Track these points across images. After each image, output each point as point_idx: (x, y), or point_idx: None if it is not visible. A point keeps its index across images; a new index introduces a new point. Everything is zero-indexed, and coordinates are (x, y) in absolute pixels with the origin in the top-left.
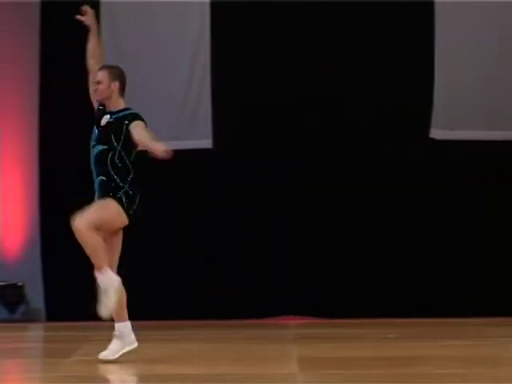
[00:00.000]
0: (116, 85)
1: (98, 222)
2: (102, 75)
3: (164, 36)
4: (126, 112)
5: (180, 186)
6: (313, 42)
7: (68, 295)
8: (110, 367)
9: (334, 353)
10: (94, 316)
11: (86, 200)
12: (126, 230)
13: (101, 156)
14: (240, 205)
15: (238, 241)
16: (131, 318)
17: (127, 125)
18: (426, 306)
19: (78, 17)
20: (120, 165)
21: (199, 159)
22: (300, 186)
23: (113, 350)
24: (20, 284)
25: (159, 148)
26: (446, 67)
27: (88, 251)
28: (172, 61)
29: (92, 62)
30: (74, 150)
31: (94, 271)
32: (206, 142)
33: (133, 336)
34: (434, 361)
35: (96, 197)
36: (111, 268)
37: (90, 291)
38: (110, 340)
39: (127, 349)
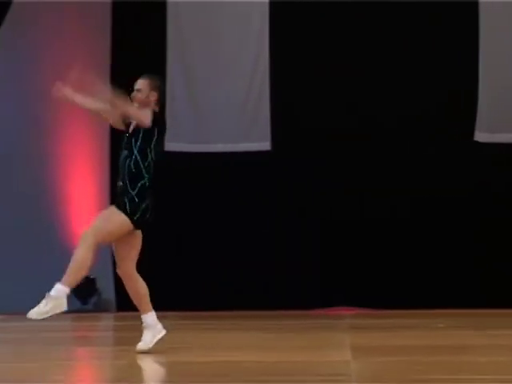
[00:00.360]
0: (154, 95)
1: (103, 235)
2: (143, 83)
3: (226, 40)
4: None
5: (239, 186)
6: (365, 44)
7: None
8: (175, 353)
9: (386, 341)
10: (160, 305)
11: (154, 193)
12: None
13: (123, 162)
14: (298, 203)
15: (295, 235)
16: (194, 309)
17: (143, 128)
18: (475, 297)
19: (56, 95)
20: (134, 170)
21: (258, 160)
22: (353, 186)
23: (146, 340)
24: (92, 277)
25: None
26: (490, 68)
27: (73, 264)
28: (234, 64)
29: (103, 106)
30: None
31: (64, 282)
32: (265, 144)
33: (160, 325)
34: (482, 349)
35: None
36: (129, 264)
37: (157, 283)
38: (174, 328)
39: (158, 337)
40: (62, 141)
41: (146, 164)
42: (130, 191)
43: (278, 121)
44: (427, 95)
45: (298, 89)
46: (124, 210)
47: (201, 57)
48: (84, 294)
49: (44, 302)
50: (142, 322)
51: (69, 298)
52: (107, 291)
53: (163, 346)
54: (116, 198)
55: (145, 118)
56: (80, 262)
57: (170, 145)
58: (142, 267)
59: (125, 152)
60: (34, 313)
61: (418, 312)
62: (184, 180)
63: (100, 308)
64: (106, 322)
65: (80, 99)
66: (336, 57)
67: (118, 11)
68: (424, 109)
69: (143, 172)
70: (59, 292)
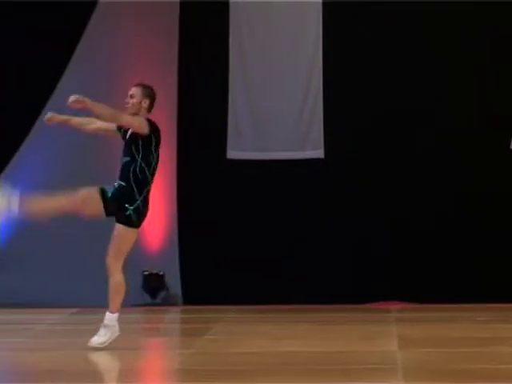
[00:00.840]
0: (146, 102)
1: (123, 255)
2: (136, 90)
3: (283, 51)
4: None
5: (295, 190)
6: (419, 49)
7: (201, 282)
8: (238, 343)
9: (430, 333)
10: (223, 300)
11: (216, 198)
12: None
13: (125, 167)
14: (348, 204)
15: (347, 235)
16: (257, 303)
17: (141, 136)
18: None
19: (47, 122)
20: (140, 176)
21: (312, 168)
22: (402, 190)
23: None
24: (161, 273)
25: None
26: None
27: (112, 291)
28: (290, 75)
29: (94, 126)
30: (209, 151)
31: (108, 309)
32: (319, 152)
33: (117, 326)
34: None
35: (110, 194)
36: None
37: (220, 279)
38: (236, 321)
39: (113, 337)
40: None
41: (152, 170)
42: (137, 197)
43: (330, 129)
44: (480, 103)
45: (348, 98)
46: (132, 225)
47: (259, 67)
48: (153, 290)
49: (102, 331)
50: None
51: (140, 293)
52: (174, 287)
53: (226, 337)
54: (116, 196)
55: (143, 126)
56: (117, 288)
57: (232, 153)
58: (209, 267)
59: (127, 158)
60: (95, 342)
61: (460, 306)
62: (243, 185)
63: (168, 302)
64: (173, 315)
65: (75, 122)
66: (389, 63)
67: (184, 11)
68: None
69: (149, 178)
70: (111, 320)
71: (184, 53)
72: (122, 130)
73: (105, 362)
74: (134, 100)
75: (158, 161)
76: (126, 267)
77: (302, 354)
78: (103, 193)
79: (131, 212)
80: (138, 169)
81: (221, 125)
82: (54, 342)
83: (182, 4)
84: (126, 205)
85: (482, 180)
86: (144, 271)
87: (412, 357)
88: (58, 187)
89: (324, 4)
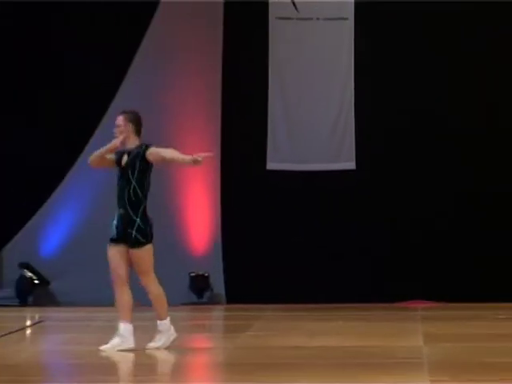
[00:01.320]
0: (131, 126)
1: (150, 270)
2: (120, 119)
3: (318, 68)
4: (139, 148)
5: (327, 201)
6: (449, 59)
7: (243, 282)
8: (277, 339)
9: (454, 330)
10: (263, 299)
11: (256, 206)
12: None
13: (122, 192)
14: (378, 210)
15: (380, 240)
16: (294, 301)
17: (141, 160)
18: None
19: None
20: (134, 199)
21: (344, 178)
22: (431, 197)
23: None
24: (206, 274)
25: (192, 158)
26: None
27: (156, 302)
28: (325, 93)
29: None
30: (251, 162)
31: (158, 318)
32: (351, 164)
33: (172, 328)
34: None
35: (116, 223)
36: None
37: (261, 279)
38: (276, 318)
39: (170, 340)
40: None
41: (144, 192)
42: (135, 218)
43: (360, 143)
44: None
45: (376, 114)
46: (142, 244)
47: (295, 86)
48: (199, 290)
49: (157, 337)
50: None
51: (187, 293)
52: (218, 287)
53: (266, 333)
54: (122, 226)
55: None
56: (157, 299)
57: (271, 164)
58: (250, 268)
59: (122, 183)
60: (154, 346)
61: (482, 305)
62: (281, 194)
63: (212, 301)
64: (218, 313)
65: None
66: (418, 76)
67: (229, 11)
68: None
69: (142, 199)
70: (165, 325)
71: (227, 72)
72: (119, 157)
73: (156, 357)
74: (121, 128)
75: (150, 183)
76: (175, 270)
77: (336, 348)
78: (115, 239)
79: (136, 234)
80: (131, 192)
81: (261, 139)
82: (108, 337)
83: (225, 21)
84: (128, 230)
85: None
86: (191, 273)
87: (437, 351)
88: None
89: (355, 27)
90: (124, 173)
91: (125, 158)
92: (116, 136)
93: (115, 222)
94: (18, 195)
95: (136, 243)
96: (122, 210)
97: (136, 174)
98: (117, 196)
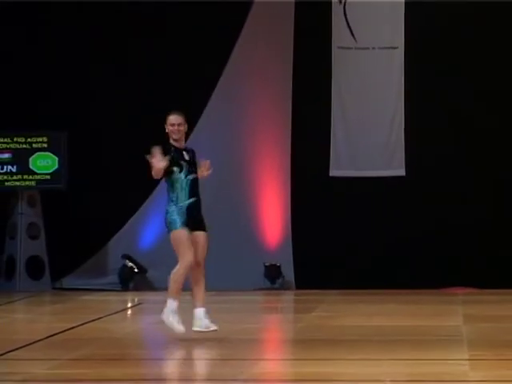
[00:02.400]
0: (185, 126)
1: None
2: (182, 119)
3: (373, 90)
4: (190, 148)
5: (380, 201)
6: (496, 67)
7: (310, 271)
8: (338, 319)
9: (491, 312)
10: (327, 285)
11: (321, 206)
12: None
13: (195, 182)
14: (424, 210)
15: (423, 236)
16: (353, 287)
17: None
18: None
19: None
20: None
21: (395, 183)
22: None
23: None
24: (278, 264)
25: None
26: None
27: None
28: (380, 107)
29: None
30: (317, 169)
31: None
32: (401, 171)
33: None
34: None
35: (195, 211)
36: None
37: (324, 268)
38: (336, 302)
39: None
40: (255, 163)
41: None
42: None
43: (411, 152)
44: None
45: (424, 128)
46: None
47: (354, 106)
48: (272, 277)
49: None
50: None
51: (262, 279)
52: (289, 275)
53: (329, 314)
54: (198, 213)
55: None
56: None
57: (334, 171)
58: (316, 259)
59: (194, 175)
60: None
61: None
62: (342, 195)
63: (283, 287)
64: (288, 297)
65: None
66: (464, 83)
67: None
68: None
69: None
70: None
71: (296, 96)
72: (172, 148)
73: (236, 333)
74: (182, 128)
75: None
76: (252, 260)
77: (389, 327)
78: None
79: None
80: (198, 183)
81: (325, 149)
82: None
83: (295, 50)
84: (202, 217)
85: None
86: (265, 263)
87: (475, 330)
88: None
89: (405, 51)
90: (192, 167)
91: (186, 153)
92: (174, 133)
93: (189, 211)
94: (121, 196)
95: (206, 228)
96: (195, 199)
97: (196, 168)
98: (189, 187)
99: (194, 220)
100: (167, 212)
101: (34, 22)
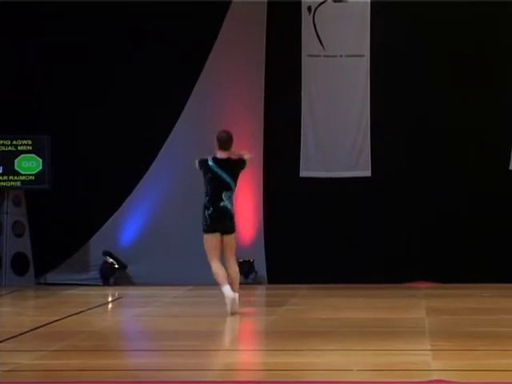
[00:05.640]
0: (214, 141)
1: (209, 255)
2: None
3: (340, 94)
4: None
5: (348, 200)
6: (466, 69)
7: (281, 266)
8: (308, 312)
9: (451, 305)
10: (297, 280)
11: (292, 205)
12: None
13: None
14: (389, 209)
15: (390, 234)
16: (322, 282)
17: None
18: None
19: None
20: None
21: (361, 183)
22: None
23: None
24: (251, 260)
25: None
26: None
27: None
28: (346, 112)
29: None
30: (287, 170)
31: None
32: (367, 172)
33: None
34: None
35: (226, 215)
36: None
37: (295, 264)
38: (307, 296)
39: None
40: None
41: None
42: None
43: (376, 154)
44: None
45: (389, 130)
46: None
47: (322, 109)
48: (246, 272)
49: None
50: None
51: None
52: (261, 270)
53: (299, 307)
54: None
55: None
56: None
57: (303, 172)
58: (287, 255)
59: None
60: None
61: (473, 285)
62: (311, 195)
63: (256, 282)
64: (260, 291)
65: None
66: (425, 98)
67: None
68: None
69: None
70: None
71: (268, 99)
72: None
73: (211, 325)
74: None
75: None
76: None
77: (356, 320)
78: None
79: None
80: None
81: (295, 151)
82: (174, 310)
83: (267, 56)
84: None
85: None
86: (239, 259)
87: (437, 322)
88: None
89: (371, 59)
90: None
91: None
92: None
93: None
94: (102, 196)
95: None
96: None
97: None
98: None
99: None
100: (234, 213)
101: (17, 23)
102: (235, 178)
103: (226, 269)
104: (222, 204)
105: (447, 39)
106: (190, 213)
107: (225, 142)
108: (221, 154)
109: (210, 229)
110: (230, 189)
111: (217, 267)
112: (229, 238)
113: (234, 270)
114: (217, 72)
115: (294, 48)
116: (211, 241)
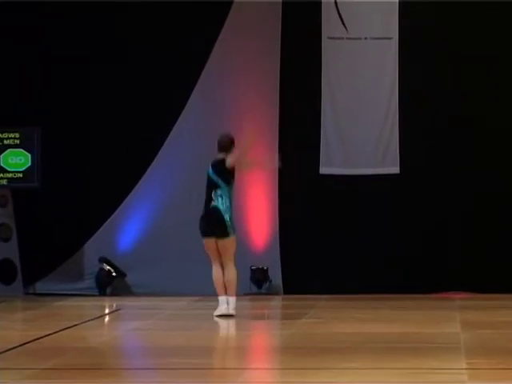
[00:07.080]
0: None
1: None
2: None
3: (365, 83)
4: None
5: (374, 201)
6: (493, 67)
7: (298, 275)
8: (329, 326)
9: (488, 318)
10: (317, 289)
11: (310, 206)
12: None
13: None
14: (418, 210)
15: (421, 239)
16: (344, 292)
17: None
18: None
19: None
20: None
21: (389, 181)
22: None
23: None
24: (265, 268)
25: None
26: None
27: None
28: (371, 103)
29: None
30: (306, 167)
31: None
32: (395, 169)
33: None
34: None
35: (219, 213)
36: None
37: (314, 272)
38: (327, 307)
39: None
40: None
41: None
42: None
43: (405, 149)
44: None
45: (419, 123)
46: None
47: (345, 100)
48: (259, 281)
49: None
50: None
51: (248, 284)
52: (276, 279)
53: (319, 320)
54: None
55: None
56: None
57: (324, 169)
58: (305, 262)
59: None
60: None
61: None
62: (332, 195)
63: (271, 292)
64: (276, 302)
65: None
66: (461, 81)
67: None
68: None
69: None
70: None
71: (284, 89)
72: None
73: (218, 340)
74: None
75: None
76: (238, 263)
77: (382, 334)
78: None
79: None
80: None
81: (314, 146)
82: (175, 323)
83: (282, 40)
84: None
85: None
86: (251, 266)
87: (472, 337)
88: None
89: (400, 41)
90: None
91: None
92: None
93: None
94: (98, 196)
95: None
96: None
97: None
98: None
99: None
100: (230, 218)
101: (4, 18)
102: (223, 176)
103: (223, 273)
104: (212, 205)
105: (488, 22)
106: (195, 214)
107: (222, 144)
108: (218, 156)
109: (203, 233)
110: (218, 187)
111: (214, 272)
112: (222, 242)
113: (231, 273)
114: (224, 62)
115: (312, 31)
116: (207, 245)
